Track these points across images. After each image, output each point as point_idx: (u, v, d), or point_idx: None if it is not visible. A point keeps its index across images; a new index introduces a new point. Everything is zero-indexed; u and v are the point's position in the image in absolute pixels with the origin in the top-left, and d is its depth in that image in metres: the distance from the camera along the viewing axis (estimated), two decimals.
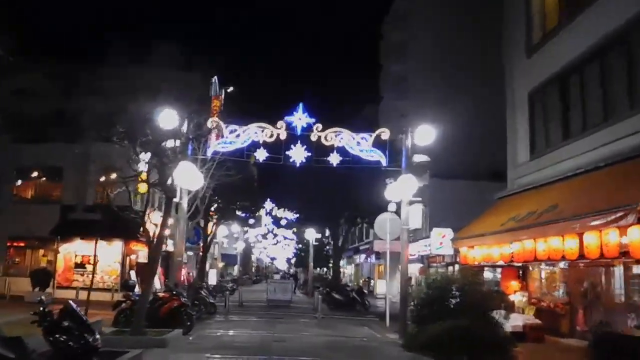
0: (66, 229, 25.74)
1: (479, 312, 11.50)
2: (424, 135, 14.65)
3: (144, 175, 14.90)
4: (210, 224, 29.51)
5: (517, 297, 15.44)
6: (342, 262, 37.86)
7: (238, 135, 14.71)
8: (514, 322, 13.12)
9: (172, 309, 13.20)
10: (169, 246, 30.11)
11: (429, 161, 14.35)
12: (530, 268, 15.70)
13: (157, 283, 19.85)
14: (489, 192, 23.25)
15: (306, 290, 38.21)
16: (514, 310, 14.66)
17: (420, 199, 14.47)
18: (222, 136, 14.65)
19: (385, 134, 14.96)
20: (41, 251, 27.08)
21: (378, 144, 15.06)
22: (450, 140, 21.87)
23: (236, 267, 56.39)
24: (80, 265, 26.23)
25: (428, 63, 33.87)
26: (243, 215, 32.85)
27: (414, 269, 34.92)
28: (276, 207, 37.53)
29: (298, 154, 14.80)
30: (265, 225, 52.61)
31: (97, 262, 26.43)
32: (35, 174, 27.55)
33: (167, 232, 15.19)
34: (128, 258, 26.50)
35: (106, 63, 18.78)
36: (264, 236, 59.15)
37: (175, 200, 14.16)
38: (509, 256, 13.29)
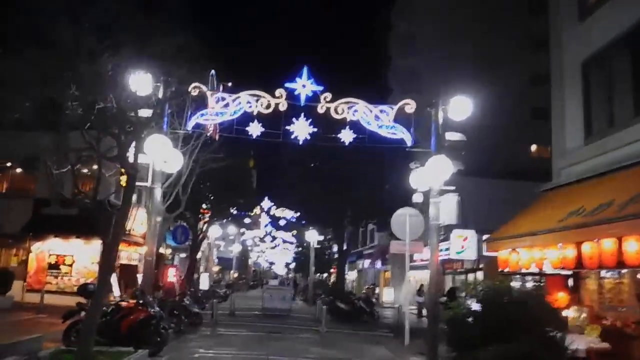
0: (39, 225, 22.99)
1: (541, 334, 8.71)
2: (459, 108, 11.72)
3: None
4: (201, 223, 26.58)
5: (571, 313, 12.44)
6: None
7: (227, 105, 11.78)
8: (574, 345, 10.17)
9: (136, 322, 10.24)
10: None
11: (465, 141, 11.35)
12: (587, 276, 12.72)
13: (117, 289, 16.91)
14: (512, 191, 20.55)
15: (306, 297, 35.21)
16: (567, 330, 11.68)
17: (453, 187, 11.46)
18: (207, 106, 11.71)
19: (409, 106, 12.04)
20: (13, 250, 24.31)
21: (401, 119, 12.12)
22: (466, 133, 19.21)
23: (232, 271, 53.31)
24: (54, 266, 23.54)
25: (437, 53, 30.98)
26: (238, 213, 29.80)
27: (422, 276, 32.01)
28: (275, 207, 34.46)
29: (301, 129, 11.88)
30: (265, 226, 49.56)
31: (72, 263, 23.96)
32: (7, 164, 24.74)
33: (133, 222, 12.33)
34: None
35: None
36: (262, 239, 56.06)
37: (145, 184, 11.21)
38: (572, 260, 10.33)
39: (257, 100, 11.77)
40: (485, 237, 20.29)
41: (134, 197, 14.75)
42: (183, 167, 13.99)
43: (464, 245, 21.02)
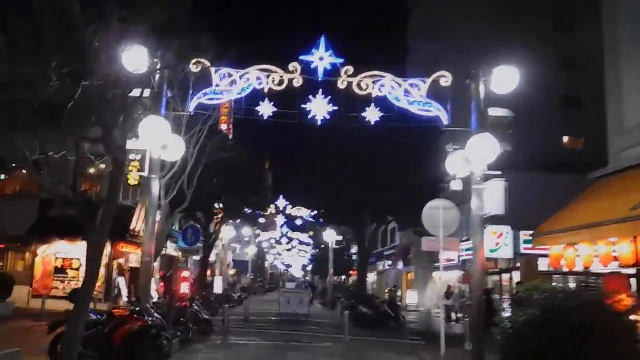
0: (45, 227, 21.73)
1: (628, 349, 7.03)
2: (504, 79, 10.02)
3: (136, 164, 10.72)
4: (213, 224, 25.11)
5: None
6: None
7: (233, 83, 10.22)
8: None
9: (131, 333, 8.72)
10: (169, 248, 26.43)
11: (512, 117, 9.63)
12: None
13: (125, 293, 15.47)
14: (546, 184, 18.72)
15: (325, 300, 33.59)
16: (637, 339, 9.88)
17: (500, 172, 9.75)
18: (211, 84, 10.16)
19: (445, 79, 10.35)
20: (20, 254, 23.16)
21: (434, 96, 10.46)
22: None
23: (248, 275, 51.88)
24: (60, 270, 22.23)
25: None
26: (252, 213, 28.26)
27: (448, 277, 30.14)
28: (290, 206, 32.89)
29: (319, 107, 10.28)
30: (281, 227, 47.99)
31: (79, 267, 22.68)
32: (12, 165, 23.57)
33: (142, 223, 10.90)
34: (116, 262, 22.28)
35: None
36: (279, 240, 54.52)
37: (142, 174, 9.72)
38: None
39: (268, 76, 10.20)
40: (524, 233, 18.59)
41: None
42: (188, 157, 12.51)
43: (498, 242, 19.17)
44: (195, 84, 10.21)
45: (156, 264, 25.75)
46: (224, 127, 31.83)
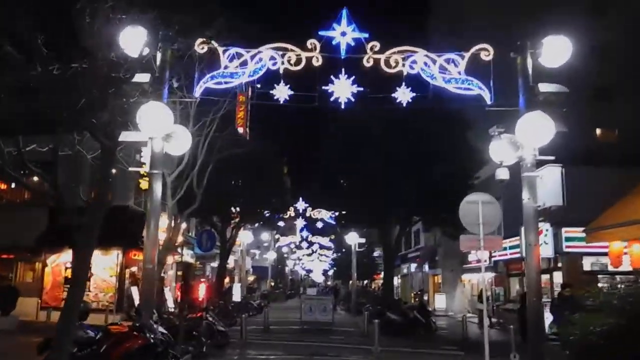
0: (55, 236, 20.78)
1: None
2: (555, 51, 8.62)
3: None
4: (229, 229, 23.93)
5: None
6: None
7: (244, 64, 8.98)
8: None
9: (130, 352, 7.51)
10: (185, 255, 25.32)
11: (567, 92, 8.24)
12: None
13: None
14: (584, 177, 17.12)
15: (348, 306, 32.14)
16: None
17: (553, 157, 8.37)
18: (220, 66, 8.94)
19: (486, 52, 8.98)
20: (29, 265, 22.29)
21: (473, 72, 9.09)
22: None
23: (268, 281, 50.72)
24: (70, 281, 21.18)
25: None
26: (271, 216, 27.02)
27: (477, 280, 28.53)
28: (310, 208, 31.58)
29: (342, 89, 8.97)
30: (300, 231, 46.72)
31: (90, 276, 21.73)
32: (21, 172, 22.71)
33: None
34: (128, 270, 21.25)
35: None
36: (298, 245, 53.26)
37: (139, 169, 8.52)
38: None
39: (283, 55, 8.94)
40: (565, 229, 17.01)
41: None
42: (197, 152, 11.32)
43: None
44: (202, 67, 9.02)
45: (171, 272, 24.76)
46: (240, 130, 30.78)
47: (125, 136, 8.28)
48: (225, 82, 8.99)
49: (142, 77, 8.27)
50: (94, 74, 6.78)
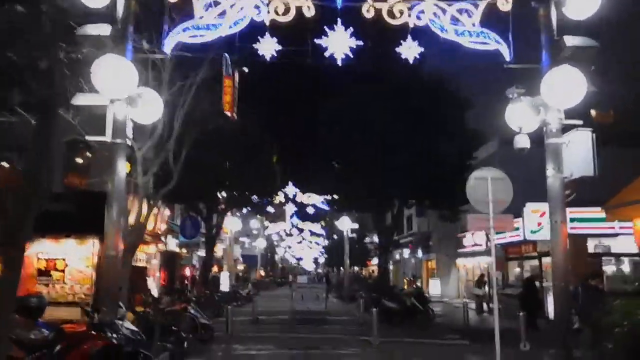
0: None
1: None
2: (581, 1, 7.39)
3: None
4: (215, 215, 22.59)
5: None
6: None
7: (222, 14, 7.64)
8: None
9: (90, 357, 6.24)
10: (169, 244, 23.97)
11: (597, 47, 7.01)
12: None
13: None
14: None
15: (340, 294, 31.12)
16: None
17: (581, 122, 7.19)
18: (192, 16, 7.59)
19: (504, 1, 7.72)
20: None
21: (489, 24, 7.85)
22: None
23: (257, 269, 49.56)
24: (44, 273, 19.70)
25: None
26: (259, 200, 25.68)
27: (472, 264, 27.63)
28: (300, 192, 30.34)
29: (338, 42, 7.68)
30: (290, 217, 45.48)
31: (64, 267, 20.36)
32: None
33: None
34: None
35: None
36: (289, 232, 52.08)
37: (101, 138, 7.17)
38: None
39: (268, 4, 7.62)
40: (570, 210, 15.88)
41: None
42: (174, 122, 10.00)
43: (541, 222, 16.62)
44: (172, 17, 7.67)
45: (155, 262, 23.41)
46: (227, 113, 29.28)
47: (79, 99, 6.96)
48: (201, 36, 7.65)
49: (99, 29, 6.94)
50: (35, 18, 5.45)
